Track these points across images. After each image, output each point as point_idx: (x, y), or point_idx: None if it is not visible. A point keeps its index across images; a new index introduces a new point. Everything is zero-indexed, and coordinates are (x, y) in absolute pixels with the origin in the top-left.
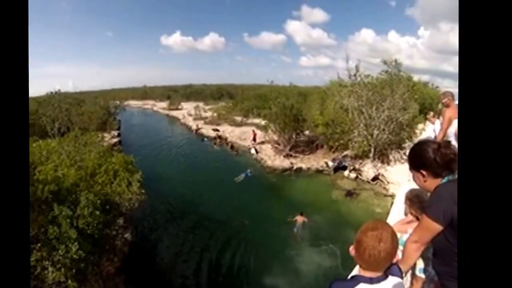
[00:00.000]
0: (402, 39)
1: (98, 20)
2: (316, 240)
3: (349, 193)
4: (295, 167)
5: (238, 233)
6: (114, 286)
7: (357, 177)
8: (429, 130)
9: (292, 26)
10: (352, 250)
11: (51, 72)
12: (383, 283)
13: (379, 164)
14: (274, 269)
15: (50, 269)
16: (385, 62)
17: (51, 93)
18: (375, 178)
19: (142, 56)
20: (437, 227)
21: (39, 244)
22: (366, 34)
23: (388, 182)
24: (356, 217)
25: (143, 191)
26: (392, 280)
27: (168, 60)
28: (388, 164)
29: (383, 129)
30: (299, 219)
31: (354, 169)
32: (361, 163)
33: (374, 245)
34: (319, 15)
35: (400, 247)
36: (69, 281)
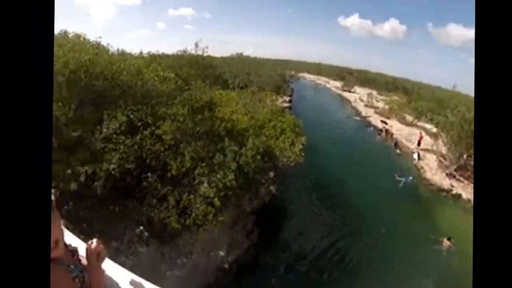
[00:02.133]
0: None
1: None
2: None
3: None
4: (454, 191)
5: (371, 236)
6: (244, 221)
7: None
8: None
9: None
10: None
11: (236, 39)
12: None
13: None
14: None
15: (205, 184)
16: None
17: (236, 53)
18: None
19: (319, 33)
20: None
21: (204, 163)
22: None
23: None
24: None
25: (302, 154)
26: None
27: (344, 41)
28: None
29: None
30: (445, 243)
31: None
32: None
33: None
34: None
35: None
36: (215, 199)
